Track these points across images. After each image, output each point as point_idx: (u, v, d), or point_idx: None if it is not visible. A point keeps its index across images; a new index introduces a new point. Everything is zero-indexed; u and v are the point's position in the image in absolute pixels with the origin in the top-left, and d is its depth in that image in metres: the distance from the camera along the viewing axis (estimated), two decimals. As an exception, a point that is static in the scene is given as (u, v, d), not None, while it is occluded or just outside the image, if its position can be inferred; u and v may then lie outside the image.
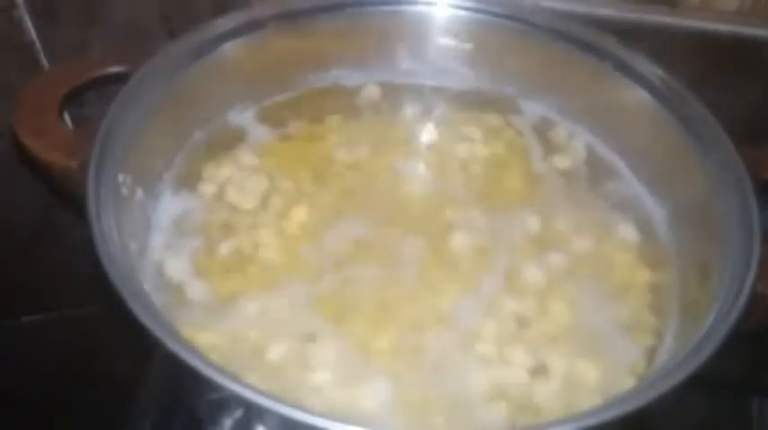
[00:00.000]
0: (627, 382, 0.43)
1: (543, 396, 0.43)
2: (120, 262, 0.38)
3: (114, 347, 0.56)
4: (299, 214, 0.50)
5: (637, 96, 0.51)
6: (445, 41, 0.56)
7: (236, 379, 0.33)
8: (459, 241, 0.50)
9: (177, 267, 0.47)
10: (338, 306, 0.46)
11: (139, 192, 0.46)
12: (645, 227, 0.51)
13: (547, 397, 0.43)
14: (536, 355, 0.45)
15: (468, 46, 0.55)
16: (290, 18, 0.52)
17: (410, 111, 0.58)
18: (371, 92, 0.57)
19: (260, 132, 0.55)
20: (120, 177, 0.43)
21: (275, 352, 0.43)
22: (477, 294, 0.47)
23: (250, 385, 0.33)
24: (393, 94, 0.57)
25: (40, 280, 0.71)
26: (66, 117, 0.60)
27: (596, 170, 0.54)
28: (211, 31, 0.50)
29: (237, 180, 0.52)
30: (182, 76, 0.48)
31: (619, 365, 0.44)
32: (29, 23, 0.57)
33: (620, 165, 0.53)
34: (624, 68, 0.51)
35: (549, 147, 0.56)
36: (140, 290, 0.38)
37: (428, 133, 0.58)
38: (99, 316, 0.54)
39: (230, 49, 0.51)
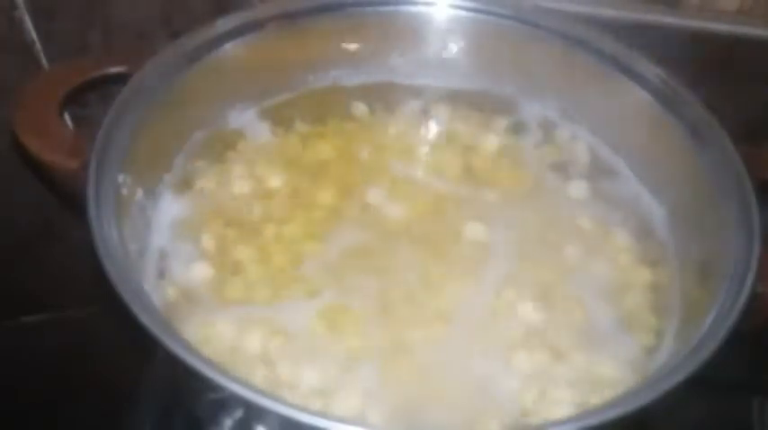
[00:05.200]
0: (627, 382, 0.43)
1: (542, 395, 0.43)
2: (120, 262, 0.38)
3: (114, 347, 0.56)
4: (299, 215, 0.51)
5: (637, 96, 0.51)
6: (445, 42, 0.55)
7: (236, 379, 0.33)
8: (460, 241, 0.50)
9: (177, 268, 0.47)
10: (340, 307, 0.46)
11: (140, 193, 0.46)
12: (645, 227, 0.51)
13: (545, 396, 0.43)
14: (536, 355, 0.45)
15: (469, 46, 0.55)
16: (290, 18, 0.52)
17: (409, 111, 0.58)
18: (359, 108, 0.57)
19: (260, 133, 0.55)
20: (121, 178, 0.43)
21: (276, 354, 0.44)
22: (479, 294, 0.47)
23: (250, 385, 0.33)
24: (393, 94, 0.57)
25: (40, 280, 0.71)
26: (67, 117, 0.60)
27: (596, 170, 0.54)
28: (212, 31, 0.50)
29: (237, 181, 0.52)
30: (182, 77, 0.48)
31: (619, 365, 0.44)
32: (29, 23, 0.57)
33: (620, 165, 0.53)
34: (624, 68, 0.51)
35: (550, 147, 0.56)
36: (140, 290, 0.38)
37: (428, 134, 0.58)
38: (99, 316, 0.53)
39: (230, 49, 0.51)
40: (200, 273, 0.47)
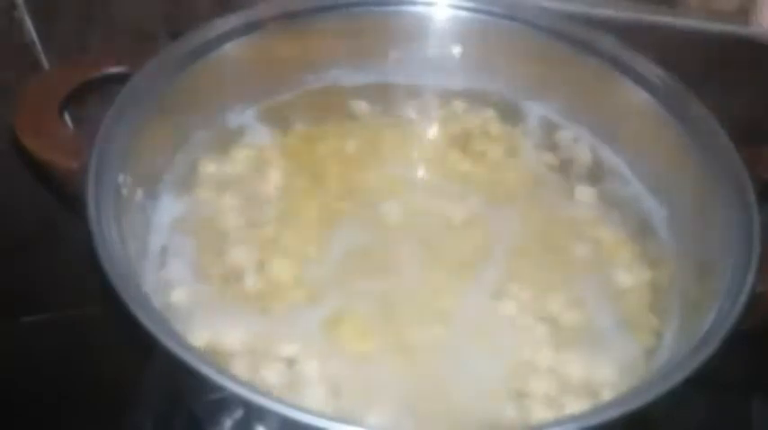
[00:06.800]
0: (627, 382, 0.43)
1: (542, 395, 0.43)
2: (119, 262, 0.38)
3: (114, 347, 0.56)
4: (299, 215, 0.51)
5: (637, 96, 0.51)
6: (445, 42, 0.55)
7: (236, 379, 0.33)
8: (460, 241, 0.50)
9: (177, 269, 0.47)
10: (342, 309, 0.46)
11: (139, 193, 0.46)
12: (645, 227, 0.51)
13: (546, 396, 0.43)
14: (536, 355, 0.45)
15: (469, 46, 0.55)
16: (290, 18, 0.52)
17: (409, 111, 0.58)
18: (361, 106, 0.57)
19: (260, 133, 0.55)
20: (121, 178, 0.43)
21: (276, 355, 0.44)
22: (479, 295, 0.47)
23: (250, 385, 0.33)
24: (392, 94, 0.57)
25: (40, 280, 0.71)
26: (67, 117, 0.60)
27: (596, 170, 0.54)
28: (211, 31, 0.50)
29: (237, 181, 0.52)
30: (182, 77, 0.48)
31: (618, 365, 0.44)
32: (29, 23, 0.57)
33: (620, 165, 0.53)
34: (624, 68, 0.51)
35: (550, 147, 0.56)
36: (140, 290, 0.38)
37: (427, 134, 0.58)
38: (99, 316, 0.53)
39: (230, 49, 0.51)
40: (200, 274, 0.47)
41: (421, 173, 0.55)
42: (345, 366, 0.43)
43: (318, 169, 0.53)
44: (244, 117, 0.54)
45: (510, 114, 0.57)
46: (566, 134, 0.56)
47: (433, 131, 0.58)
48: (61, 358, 0.66)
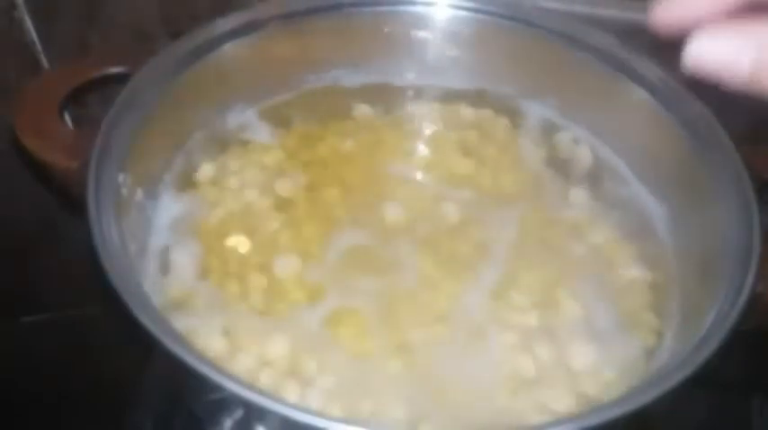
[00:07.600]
0: (626, 382, 0.43)
1: (542, 395, 0.43)
2: (119, 262, 0.38)
3: (114, 347, 0.56)
4: (298, 216, 0.51)
5: (637, 96, 0.51)
6: (445, 41, 0.55)
7: (236, 379, 0.33)
8: (460, 241, 0.50)
9: (177, 268, 0.47)
10: (342, 310, 0.46)
11: (140, 193, 0.46)
12: (645, 227, 0.51)
13: (545, 396, 0.43)
14: (535, 355, 0.45)
15: (468, 46, 0.55)
16: (290, 18, 0.52)
17: (409, 111, 0.58)
18: (361, 106, 0.57)
19: (260, 133, 0.55)
20: (121, 177, 0.43)
21: (276, 354, 0.44)
22: (478, 294, 0.47)
23: (250, 385, 0.33)
24: (392, 94, 0.57)
25: (40, 280, 0.71)
26: (67, 117, 0.60)
27: (596, 170, 0.54)
28: (211, 31, 0.50)
29: (237, 181, 0.52)
30: (182, 77, 0.48)
31: (619, 365, 0.44)
32: (29, 23, 0.57)
33: (620, 165, 0.53)
34: (624, 68, 0.51)
35: (549, 148, 0.56)
36: (140, 290, 0.38)
37: (427, 134, 0.58)
38: (99, 316, 0.53)
39: (230, 49, 0.51)
40: (200, 274, 0.47)
41: (421, 173, 0.55)
42: (345, 365, 0.43)
43: (318, 169, 0.53)
44: (244, 117, 0.54)
45: (510, 114, 0.57)
46: (565, 134, 0.56)
47: (432, 131, 0.58)
48: (61, 358, 0.66)
